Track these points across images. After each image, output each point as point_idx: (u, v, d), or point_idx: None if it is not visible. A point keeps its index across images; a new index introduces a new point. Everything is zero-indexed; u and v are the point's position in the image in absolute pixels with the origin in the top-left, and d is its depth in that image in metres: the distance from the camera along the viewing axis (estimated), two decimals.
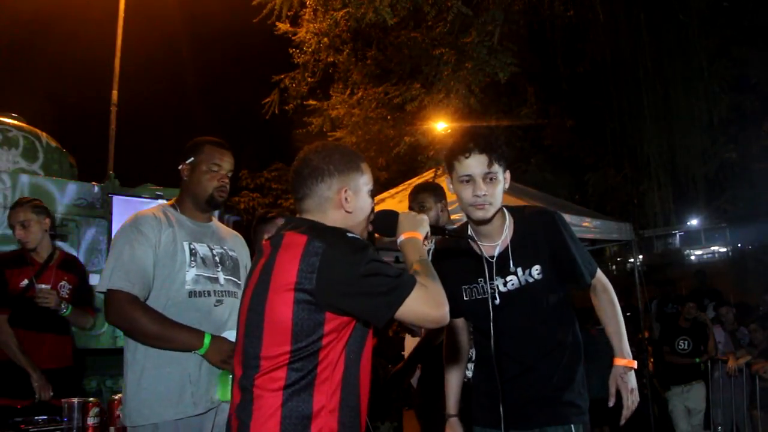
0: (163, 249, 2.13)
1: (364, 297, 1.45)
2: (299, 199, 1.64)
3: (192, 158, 2.28)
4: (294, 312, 1.45)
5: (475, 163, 1.88)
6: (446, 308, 1.48)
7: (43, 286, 3.17)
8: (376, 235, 1.94)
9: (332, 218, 1.61)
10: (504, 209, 2.01)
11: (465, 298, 2.05)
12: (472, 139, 1.89)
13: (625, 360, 1.93)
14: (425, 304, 1.45)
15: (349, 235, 1.54)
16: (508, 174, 1.96)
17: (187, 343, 2.06)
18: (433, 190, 3.10)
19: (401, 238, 1.67)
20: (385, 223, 1.75)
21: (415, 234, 1.66)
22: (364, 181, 1.66)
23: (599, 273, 2.03)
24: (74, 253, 3.98)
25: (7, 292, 3.24)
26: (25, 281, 3.26)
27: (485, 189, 1.88)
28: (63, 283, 3.33)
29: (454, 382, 2.20)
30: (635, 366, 1.94)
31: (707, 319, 6.26)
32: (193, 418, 2.07)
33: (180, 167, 2.31)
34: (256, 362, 1.49)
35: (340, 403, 1.49)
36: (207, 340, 2.07)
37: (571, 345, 2.02)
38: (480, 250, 1.92)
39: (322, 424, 1.46)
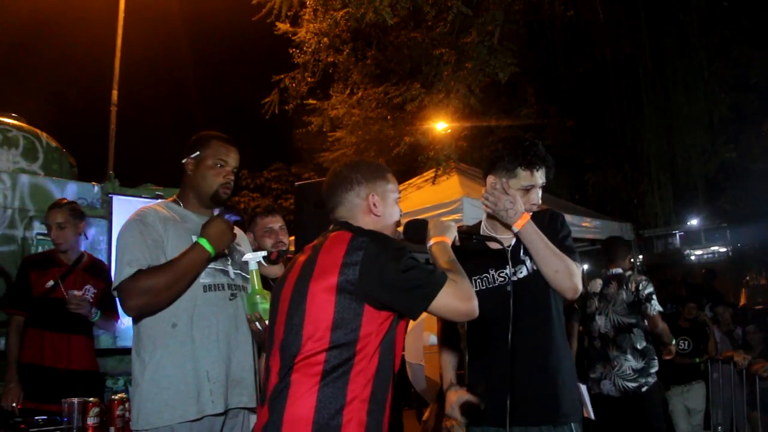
0: (172, 244, 2.07)
1: (402, 290, 1.56)
2: (332, 209, 1.78)
3: (198, 152, 2.22)
4: (336, 301, 1.54)
5: (539, 176, 2.11)
6: (475, 302, 1.60)
7: (75, 292, 3.17)
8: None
9: (363, 223, 1.74)
10: None
11: (475, 288, 2.07)
12: (538, 156, 2.10)
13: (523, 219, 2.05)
14: (456, 298, 1.57)
15: (389, 235, 1.72)
16: None
17: (199, 259, 2.03)
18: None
19: (430, 243, 1.81)
20: (415, 231, 1.88)
21: (443, 238, 1.80)
22: (391, 189, 1.81)
23: (578, 265, 2.10)
24: None
25: (30, 294, 3.27)
26: (51, 282, 3.27)
27: (539, 196, 2.12)
28: (88, 286, 3.33)
29: (450, 359, 2.26)
30: (520, 224, 2.04)
31: (707, 319, 6.25)
32: (206, 419, 2.02)
33: (184, 161, 2.23)
34: (297, 348, 1.57)
35: (371, 395, 1.57)
36: (204, 243, 2.03)
37: (566, 345, 2.10)
38: (497, 244, 2.08)
39: (353, 413, 1.53)
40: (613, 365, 3.98)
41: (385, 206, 1.78)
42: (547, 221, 2.14)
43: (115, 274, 2.03)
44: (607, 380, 3.97)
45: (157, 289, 1.97)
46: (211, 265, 2.13)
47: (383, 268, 1.55)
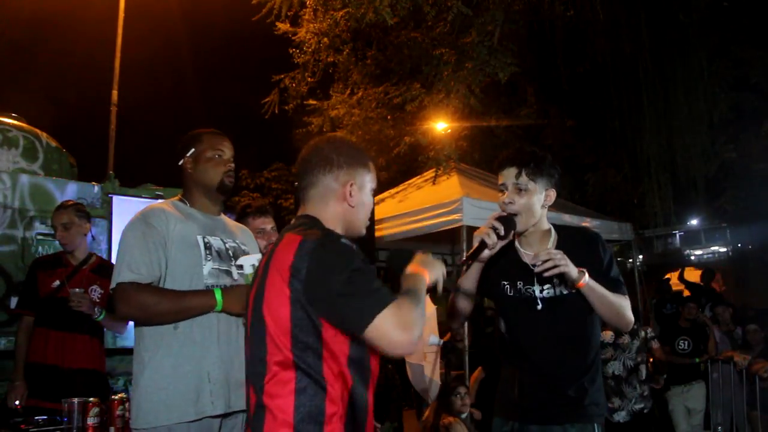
0: (176, 244, 2.07)
1: (339, 301, 1.39)
2: (304, 187, 1.63)
3: (193, 149, 2.24)
4: (291, 311, 1.42)
5: (506, 174, 2.11)
6: (415, 334, 1.38)
7: (77, 289, 3.20)
8: (377, 233, 1.98)
9: (333, 210, 1.61)
10: (552, 227, 2.20)
11: (509, 294, 2.16)
12: (507, 154, 2.15)
13: (584, 279, 1.99)
14: (394, 324, 1.36)
15: (343, 240, 1.51)
16: (551, 192, 2.14)
17: (204, 306, 2.03)
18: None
19: (407, 271, 1.62)
20: (398, 261, 1.78)
21: (421, 270, 1.60)
22: (369, 179, 1.67)
23: (627, 298, 2.13)
24: None
25: (36, 294, 3.32)
26: (57, 282, 3.32)
27: (512, 197, 2.09)
28: (95, 287, 3.36)
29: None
30: (582, 284, 1.99)
31: (707, 320, 6.25)
32: (205, 420, 2.02)
33: (181, 162, 2.25)
34: (263, 366, 1.46)
35: (348, 410, 1.46)
36: (219, 295, 2.04)
37: (596, 351, 2.15)
38: (529, 258, 2.11)
39: (333, 430, 1.43)
40: (629, 399, 4.78)
41: (360, 196, 1.64)
42: (586, 244, 2.13)
43: (114, 272, 2.04)
44: (622, 411, 4.76)
45: (154, 312, 2.00)
46: (215, 266, 2.13)
47: (327, 276, 1.40)
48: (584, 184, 10.09)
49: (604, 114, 8.88)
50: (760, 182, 8.94)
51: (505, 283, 2.16)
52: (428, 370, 4.94)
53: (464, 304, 2.23)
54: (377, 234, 5.22)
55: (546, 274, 1.97)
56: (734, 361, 5.52)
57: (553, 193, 2.15)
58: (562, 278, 2.04)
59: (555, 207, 6.07)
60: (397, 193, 6.89)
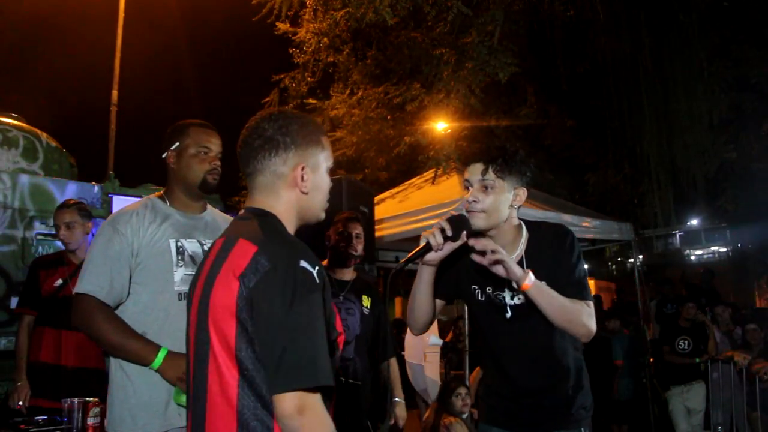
0: (147, 249, 2.01)
1: (269, 347, 1.21)
2: (249, 174, 1.45)
3: (177, 143, 2.12)
4: (237, 336, 1.25)
5: (472, 171, 1.98)
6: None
7: None
8: (377, 233, 1.93)
9: (286, 200, 1.43)
10: (522, 225, 2.04)
11: (479, 299, 2.06)
12: (474, 149, 1.99)
13: (529, 279, 1.84)
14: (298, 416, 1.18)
15: (302, 264, 1.27)
16: (521, 191, 1.98)
17: (141, 357, 1.93)
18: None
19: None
20: None
21: None
22: (324, 157, 1.48)
23: (590, 303, 1.96)
24: None
25: (39, 293, 3.33)
26: (59, 281, 3.33)
27: (477, 196, 1.94)
28: None
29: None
30: (527, 285, 1.83)
31: (706, 320, 6.25)
32: (173, 430, 1.99)
33: (164, 155, 2.14)
34: (204, 392, 1.28)
35: None
36: (161, 355, 1.93)
37: (578, 354, 2.09)
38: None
39: None
40: None
41: (315, 179, 1.45)
42: (556, 242, 1.99)
43: (78, 278, 2.01)
44: None
45: (96, 336, 1.98)
46: (188, 271, 2.06)
47: (271, 310, 1.22)
48: (584, 184, 10.07)
49: (604, 114, 8.87)
50: (760, 182, 8.93)
51: (476, 287, 2.05)
52: (428, 370, 4.95)
53: (421, 312, 2.05)
54: (377, 234, 5.21)
55: (493, 268, 1.82)
56: (734, 361, 5.52)
57: (523, 192, 1.98)
58: (538, 279, 1.88)
59: (555, 207, 6.11)
60: (397, 193, 6.89)
